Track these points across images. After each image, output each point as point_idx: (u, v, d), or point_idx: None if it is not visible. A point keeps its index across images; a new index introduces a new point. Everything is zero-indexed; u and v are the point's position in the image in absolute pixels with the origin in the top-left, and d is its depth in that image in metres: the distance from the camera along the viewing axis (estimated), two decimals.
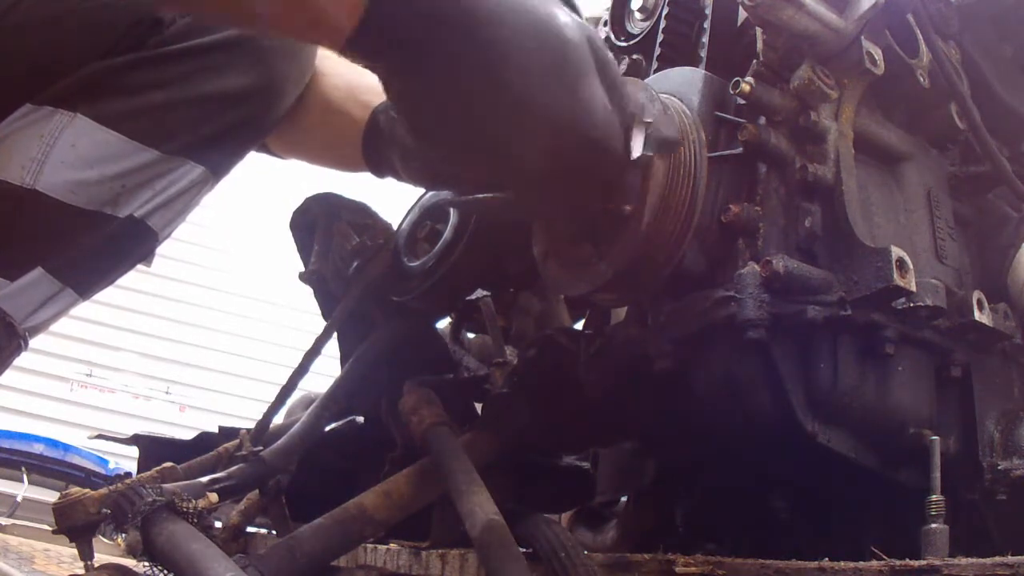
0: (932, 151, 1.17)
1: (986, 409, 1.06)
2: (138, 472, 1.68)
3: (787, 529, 1.12)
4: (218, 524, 1.46)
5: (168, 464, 1.14)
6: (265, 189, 4.97)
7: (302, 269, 1.47)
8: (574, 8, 1.09)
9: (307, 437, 1.25)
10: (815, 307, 0.93)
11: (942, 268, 1.08)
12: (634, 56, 1.23)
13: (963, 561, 0.74)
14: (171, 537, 0.89)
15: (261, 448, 1.20)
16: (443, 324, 1.64)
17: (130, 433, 1.92)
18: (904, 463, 1.01)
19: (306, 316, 4.45)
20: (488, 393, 1.38)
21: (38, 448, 4.26)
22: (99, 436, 2.38)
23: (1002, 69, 1.26)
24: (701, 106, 0.99)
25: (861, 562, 0.80)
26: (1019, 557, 0.72)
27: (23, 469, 4.19)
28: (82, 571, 1.02)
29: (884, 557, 0.79)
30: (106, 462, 4.37)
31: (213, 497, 1.00)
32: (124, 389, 6.22)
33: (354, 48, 0.74)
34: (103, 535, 1.17)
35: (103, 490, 1.00)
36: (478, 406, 1.44)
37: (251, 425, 1.27)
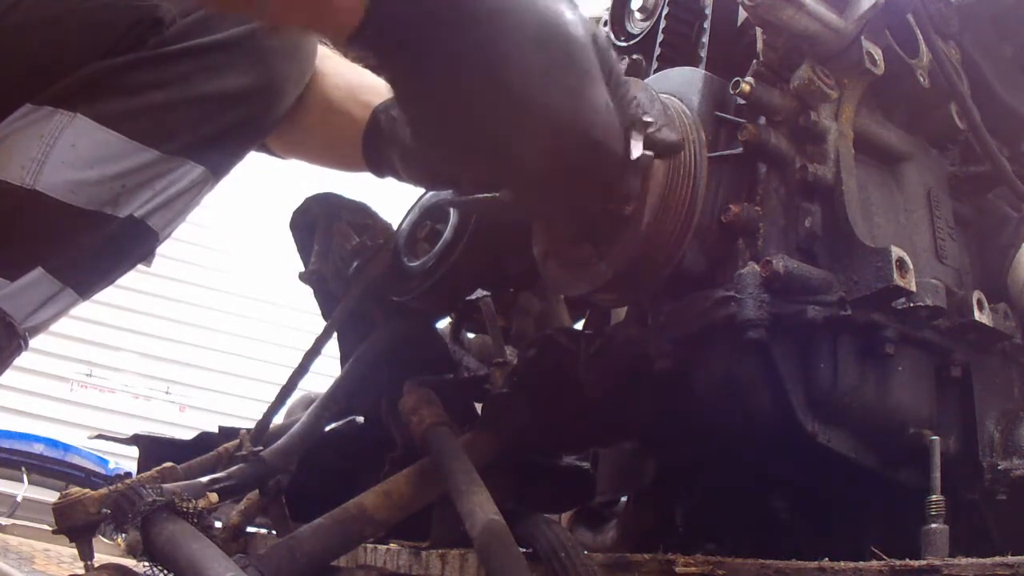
0: (932, 151, 1.17)
1: (986, 409, 1.06)
2: (138, 472, 1.68)
3: (787, 529, 1.12)
4: (218, 524, 1.46)
5: (168, 464, 1.14)
6: (265, 189, 4.97)
7: (302, 269, 1.47)
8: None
9: (307, 437, 1.25)
10: (815, 307, 0.93)
11: (942, 268, 1.08)
12: (634, 56, 1.22)
13: (963, 561, 0.74)
14: (171, 537, 0.89)
15: (261, 448, 1.19)
16: (443, 324, 1.63)
17: (130, 433, 1.91)
18: (904, 463, 1.01)
19: (306, 316, 4.44)
20: (488, 393, 1.38)
21: (38, 448, 4.26)
22: (99, 436, 2.38)
23: (1002, 69, 1.26)
24: (701, 106, 0.99)
25: (861, 562, 0.80)
26: (1019, 557, 0.72)
27: (23, 469, 4.18)
28: (82, 571, 1.02)
29: (884, 557, 0.79)
30: (106, 462, 4.36)
31: (213, 497, 1.00)
32: (124, 389, 6.22)
33: (356, 47, 0.74)
34: (103, 535, 1.17)
35: (103, 490, 1.00)
36: (478, 406, 1.44)
37: (251, 425, 1.27)
